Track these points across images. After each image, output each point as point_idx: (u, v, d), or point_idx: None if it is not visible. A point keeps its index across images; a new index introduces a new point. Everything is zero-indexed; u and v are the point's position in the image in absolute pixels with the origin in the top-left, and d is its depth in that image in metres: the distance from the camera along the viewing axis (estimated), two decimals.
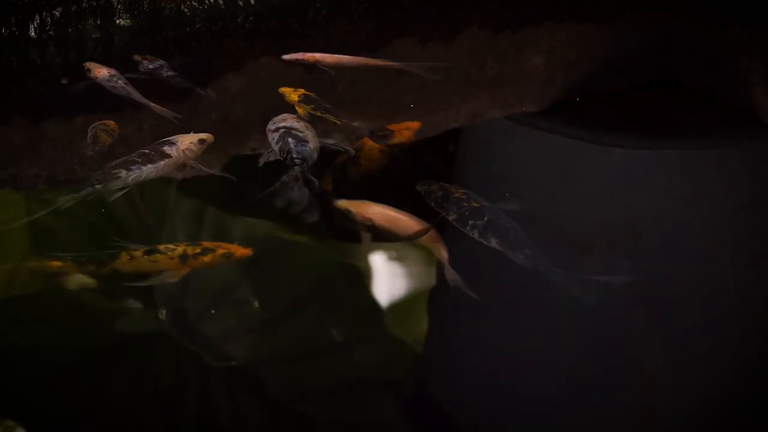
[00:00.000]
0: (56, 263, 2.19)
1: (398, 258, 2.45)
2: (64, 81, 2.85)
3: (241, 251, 2.18)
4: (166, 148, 2.36)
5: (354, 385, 2.15)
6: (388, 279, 2.41)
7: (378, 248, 2.47)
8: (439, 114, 2.78)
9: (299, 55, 2.77)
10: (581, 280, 1.98)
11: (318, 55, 2.77)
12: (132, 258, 2.16)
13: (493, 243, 2.03)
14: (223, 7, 3.02)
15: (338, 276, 2.44)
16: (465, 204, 2.11)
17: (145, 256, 2.15)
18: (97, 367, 2.15)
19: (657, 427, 2.01)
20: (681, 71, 3.03)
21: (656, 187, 2.52)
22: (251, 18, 3.04)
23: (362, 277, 2.43)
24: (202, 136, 2.41)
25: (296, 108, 2.50)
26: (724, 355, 2.13)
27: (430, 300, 2.36)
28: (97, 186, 2.29)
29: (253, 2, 3.04)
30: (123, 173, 2.31)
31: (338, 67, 2.76)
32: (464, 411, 2.09)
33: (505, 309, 2.21)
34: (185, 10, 2.98)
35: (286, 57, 2.76)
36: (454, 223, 2.09)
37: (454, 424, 2.09)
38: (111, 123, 2.54)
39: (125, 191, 2.29)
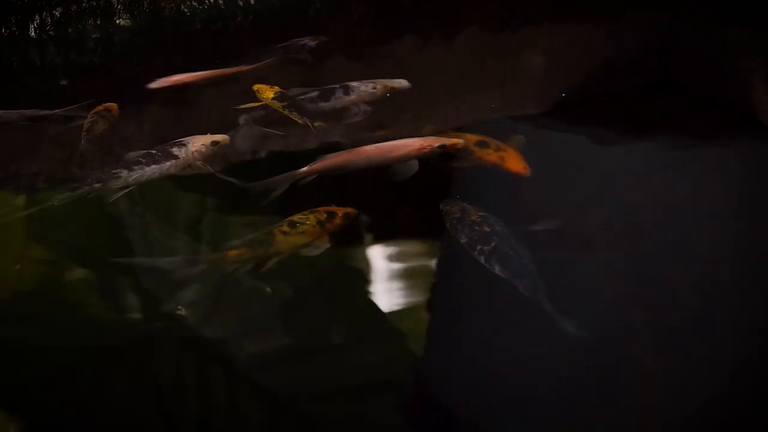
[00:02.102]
0: (234, 252, 2.22)
1: (398, 257, 2.45)
2: (63, 82, 2.85)
3: (348, 211, 2.29)
4: (175, 150, 2.37)
5: (354, 384, 2.15)
6: (387, 278, 2.41)
7: (378, 248, 2.47)
8: (439, 113, 2.78)
9: (166, 81, 2.72)
10: (572, 315, 2.01)
11: (183, 76, 2.73)
12: (285, 234, 2.23)
13: (497, 269, 2.11)
14: (223, 7, 3.03)
15: (338, 275, 2.44)
16: (477, 228, 2.18)
17: (293, 230, 2.23)
18: (97, 367, 2.15)
19: (657, 427, 2.01)
20: (681, 71, 3.02)
21: (656, 187, 2.52)
22: (251, 18, 3.05)
23: (362, 276, 2.43)
24: (217, 137, 2.42)
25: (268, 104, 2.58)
26: (724, 355, 2.13)
27: (430, 300, 2.36)
28: (96, 185, 2.30)
29: (253, 2, 3.04)
30: (124, 173, 2.31)
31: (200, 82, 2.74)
32: (464, 411, 2.09)
33: (505, 309, 2.21)
34: (185, 10, 2.99)
35: (152, 85, 2.71)
36: (465, 246, 2.17)
37: (454, 423, 2.09)
38: (113, 106, 2.55)
39: (126, 191, 2.30)
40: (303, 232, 2.23)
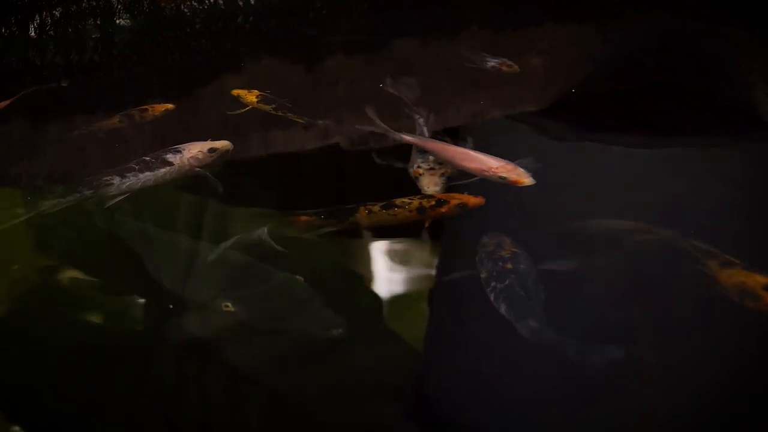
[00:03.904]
0: (304, 218, 2.24)
1: (398, 257, 2.45)
2: (63, 83, 2.85)
3: (474, 200, 2.25)
4: (169, 156, 2.32)
5: (354, 384, 2.15)
6: (387, 279, 2.41)
7: (379, 246, 2.47)
8: (439, 113, 2.78)
9: None
10: (583, 353, 1.97)
11: None
12: (370, 212, 2.23)
13: (502, 309, 2.05)
14: (223, 7, 3.03)
15: (338, 276, 2.43)
16: (500, 264, 2.11)
17: (383, 211, 2.23)
18: (98, 367, 2.15)
19: (656, 426, 2.01)
20: (681, 71, 3.03)
21: (656, 187, 2.52)
22: (251, 18, 3.05)
23: (362, 276, 2.43)
24: (216, 144, 2.36)
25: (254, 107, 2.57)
26: (723, 355, 2.13)
27: (430, 300, 2.36)
28: (87, 192, 2.28)
29: (253, 2, 3.04)
30: (116, 180, 2.29)
31: None
32: (464, 410, 2.09)
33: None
34: (185, 10, 2.99)
35: None
36: (483, 282, 2.11)
37: (454, 423, 2.09)
38: (156, 108, 2.56)
39: (123, 198, 2.28)
40: (394, 215, 2.23)
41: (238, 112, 2.56)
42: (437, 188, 2.31)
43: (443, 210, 2.24)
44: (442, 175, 2.35)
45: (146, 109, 2.55)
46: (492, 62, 2.81)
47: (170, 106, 2.58)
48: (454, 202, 2.25)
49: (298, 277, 2.20)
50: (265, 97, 2.58)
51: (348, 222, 2.24)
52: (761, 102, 2.92)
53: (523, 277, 2.08)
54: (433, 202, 2.24)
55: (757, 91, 2.96)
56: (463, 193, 2.27)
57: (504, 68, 2.75)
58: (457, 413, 2.10)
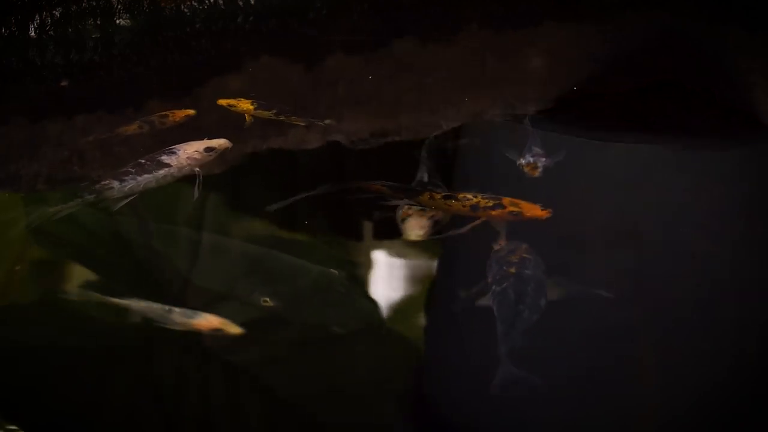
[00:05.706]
0: (377, 186, 2.31)
1: (398, 257, 2.45)
2: (63, 83, 2.85)
3: (533, 211, 2.21)
4: (165, 158, 2.31)
5: (354, 384, 2.15)
6: (387, 278, 2.41)
7: (378, 247, 2.47)
8: (439, 113, 2.78)
9: None
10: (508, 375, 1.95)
11: None
12: (432, 198, 2.27)
13: (495, 311, 2.04)
14: (223, 7, 3.03)
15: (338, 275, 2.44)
16: (505, 268, 2.10)
17: (443, 199, 2.26)
18: (98, 367, 2.15)
19: (656, 426, 2.01)
20: (681, 71, 3.03)
21: (656, 187, 2.52)
22: (251, 18, 3.05)
23: (362, 275, 2.43)
24: (212, 143, 2.34)
25: (251, 115, 2.54)
26: (724, 355, 2.13)
27: (430, 300, 2.36)
28: (89, 197, 2.27)
29: (253, 2, 3.05)
30: (116, 184, 2.28)
31: None
32: (463, 411, 2.09)
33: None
34: (185, 10, 2.99)
35: None
36: (488, 285, 2.10)
37: (454, 423, 2.09)
38: (177, 114, 2.54)
39: (129, 200, 2.28)
40: (449, 206, 2.25)
41: (248, 123, 2.55)
42: (421, 232, 2.28)
43: (494, 213, 2.21)
44: (431, 217, 2.31)
45: (167, 115, 2.53)
46: (530, 158, 2.68)
47: (191, 111, 2.55)
48: (509, 208, 2.22)
49: (332, 270, 2.22)
50: (260, 104, 2.55)
51: (414, 199, 2.28)
52: (761, 102, 2.92)
53: (524, 282, 2.06)
54: (490, 204, 2.22)
55: (757, 91, 2.96)
56: (534, 203, 2.23)
57: (526, 168, 2.67)
58: (457, 413, 2.10)
